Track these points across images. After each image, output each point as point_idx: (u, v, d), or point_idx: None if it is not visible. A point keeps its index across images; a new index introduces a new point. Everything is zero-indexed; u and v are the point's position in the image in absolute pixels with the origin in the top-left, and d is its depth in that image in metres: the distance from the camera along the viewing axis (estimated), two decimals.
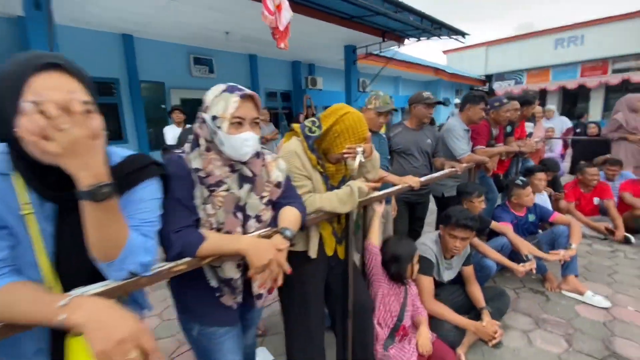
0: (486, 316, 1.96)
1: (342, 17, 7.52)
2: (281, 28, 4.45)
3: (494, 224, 2.58)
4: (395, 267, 1.78)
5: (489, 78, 23.18)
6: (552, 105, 5.82)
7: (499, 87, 22.16)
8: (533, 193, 3.39)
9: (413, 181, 1.94)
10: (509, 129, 3.53)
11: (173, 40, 8.08)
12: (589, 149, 4.93)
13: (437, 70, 17.74)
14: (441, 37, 9.54)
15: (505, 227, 2.57)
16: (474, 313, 2.11)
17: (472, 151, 2.99)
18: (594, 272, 2.90)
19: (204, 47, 8.89)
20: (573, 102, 20.98)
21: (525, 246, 2.44)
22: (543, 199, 3.46)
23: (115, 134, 7.57)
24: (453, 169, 2.46)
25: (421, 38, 9.41)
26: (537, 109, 4.75)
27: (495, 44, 23.47)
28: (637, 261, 3.07)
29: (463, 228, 1.94)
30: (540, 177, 3.29)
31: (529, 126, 4.23)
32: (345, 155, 1.39)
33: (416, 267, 1.84)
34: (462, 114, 2.80)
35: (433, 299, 1.96)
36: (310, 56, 11.42)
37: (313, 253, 1.44)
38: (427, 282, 1.97)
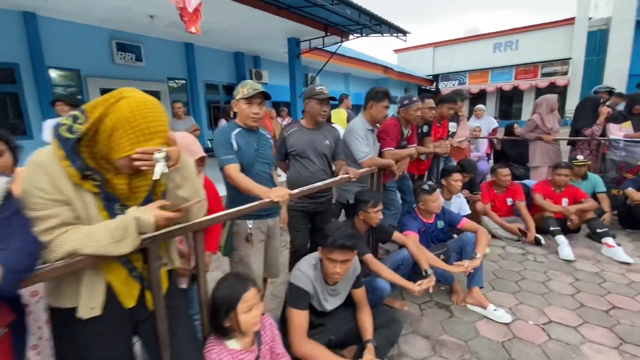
0: (369, 354, 1.63)
1: (280, 7, 7.02)
2: (190, 9, 3.87)
3: (396, 235, 2.29)
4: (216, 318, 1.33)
5: (436, 78, 23.93)
6: (482, 105, 5.83)
7: (445, 87, 22.96)
8: (450, 194, 3.22)
9: (276, 195, 1.54)
10: (425, 128, 3.31)
11: (90, 22, 7.06)
12: (511, 149, 4.95)
13: (386, 68, 17.83)
14: (384, 34, 9.43)
15: (405, 238, 2.29)
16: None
17: (380, 154, 2.71)
18: (502, 280, 2.75)
19: (130, 32, 7.91)
20: (509, 103, 22.36)
21: (425, 260, 2.18)
22: (460, 202, 3.30)
23: (16, 128, 6.47)
24: (346, 175, 2.12)
25: (364, 34, 9.18)
26: (461, 107, 4.65)
27: (441, 45, 24.25)
28: (544, 264, 2.99)
29: (341, 250, 1.58)
30: (457, 178, 3.11)
31: (453, 126, 4.08)
32: (137, 164, 0.94)
33: (246, 311, 1.30)
34: (366, 112, 2.49)
35: (305, 338, 1.58)
36: (254, 47, 10.78)
37: (84, 311, 0.98)
38: (299, 318, 1.59)
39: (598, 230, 3.23)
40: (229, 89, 11.33)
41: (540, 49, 20.07)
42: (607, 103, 4.66)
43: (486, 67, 21.81)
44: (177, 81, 9.55)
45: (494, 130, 5.60)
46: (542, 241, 3.36)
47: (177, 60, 9.25)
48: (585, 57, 19.04)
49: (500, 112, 21.68)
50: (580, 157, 3.89)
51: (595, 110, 4.17)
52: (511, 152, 4.92)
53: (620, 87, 16.19)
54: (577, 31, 19.14)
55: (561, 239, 3.20)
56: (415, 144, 2.97)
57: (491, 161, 5.61)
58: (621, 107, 4.76)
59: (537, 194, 3.61)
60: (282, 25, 8.32)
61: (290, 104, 10.25)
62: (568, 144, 4.62)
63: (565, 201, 3.59)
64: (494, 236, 3.65)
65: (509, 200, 3.72)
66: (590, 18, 19.51)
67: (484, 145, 5.41)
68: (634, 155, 3.84)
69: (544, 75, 19.77)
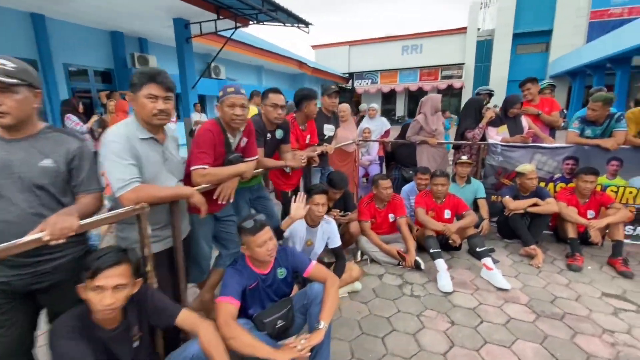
0: None
1: None
2: None
3: (180, 317, 1.36)
4: None
5: (352, 76, 24.12)
6: (375, 104, 5.32)
7: (359, 85, 23.29)
8: (313, 221, 2.44)
9: None
10: (279, 133, 2.46)
11: None
12: (401, 150, 4.47)
13: (300, 63, 17.06)
14: (285, 24, 8.52)
15: (195, 323, 1.37)
16: None
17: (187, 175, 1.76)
18: (367, 337, 2.05)
19: None
20: (416, 103, 23.66)
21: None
22: (328, 229, 2.51)
23: None
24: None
25: (261, 21, 8.14)
26: (342, 107, 3.98)
27: (356, 44, 24.49)
28: (420, 301, 2.42)
29: None
30: (319, 202, 2.32)
31: (329, 129, 3.35)
32: None
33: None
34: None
35: None
36: (136, 27, 8.86)
37: None
38: None
39: (478, 249, 2.80)
40: (106, 76, 9.25)
41: (440, 53, 21.54)
42: (488, 105, 4.48)
43: (396, 67, 22.68)
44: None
45: (387, 132, 5.14)
46: (422, 266, 2.82)
47: (19, 36, 6.98)
48: (475, 63, 21.00)
49: (409, 111, 22.81)
50: (464, 157, 3.53)
51: (480, 112, 3.87)
52: (401, 154, 4.45)
53: (501, 91, 18.18)
54: (468, 40, 20.96)
55: (440, 264, 2.68)
56: (256, 156, 2.09)
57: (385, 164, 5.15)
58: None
59: (420, 208, 3.08)
60: (163, 1, 6.82)
61: (181, 96, 8.72)
62: (453, 147, 4.31)
63: (447, 213, 3.13)
64: (372, 260, 3.03)
65: (391, 216, 3.14)
66: (479, 29, 21.56)
67: (375, 147, 4.89)
68: (510, 161, 3.59)
69: (444, 77, 21.29)
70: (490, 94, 4.88)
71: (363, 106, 5.26)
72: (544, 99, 3.92)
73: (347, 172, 4.27)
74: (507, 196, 3.28)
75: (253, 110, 4.31)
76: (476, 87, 20.56)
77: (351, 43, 24.50)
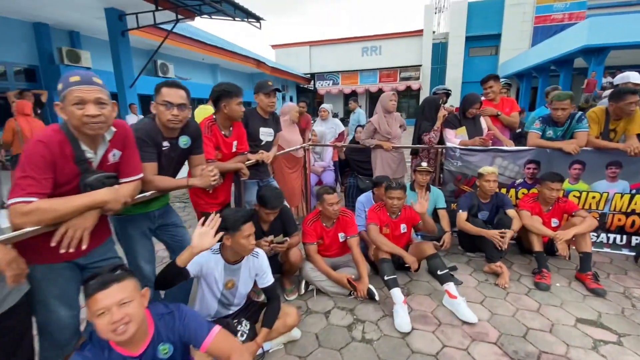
0: None
1: None
2: None
3: None
4: None
5: (313, 77, 23.65)
6: (328, 105, 4.82)
7: (321, 86, 22.89)
8: (237, 255, 1.84)
9: None
10: (184, 141, 1.84)
11: None
12: (355, 156, 4.00)
13: (259, 62, 16.29)
14: (235, 18, 7.81)
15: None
16: None
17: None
18: None
19: None
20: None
21: None
22: (259, 262, 1.93)
23: None
24: None
25: (206, 13, 7.37)
26: (323, 107, 3.41)
27: (317, 45, 24.06)
28: (373, 347, 1.93)
29: None
30: (247, 233, 1.72)
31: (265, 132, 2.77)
32: None
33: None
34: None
35: None
36: (64, 18, 7.66)
37: None
38: None
39: (439, 273, 2.37)
40: (30, 73, 7.97)
41: (398, 55, 21.73)
42: (445, 105, 4.16)
43: (356, 68, 22.56)
44: None
45: (341, 135, 4.67)
46: (376, 296, 2.34)
47: None
48: (431, 65, 21.42)
49: (371, 112, 22.70)
50: (424, 164, 3.12)
51: (437, 112, 3.50)
52: (354, 160, 3.99)
53: (457, 92, 18.65)
54: (424, 42, 21.33)
55: (397, 295, 2.21)
56: (138, 174, 1.47)
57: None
58: None
59: (372, 224, 2.61)
60: None
61: (118, 95, 7.70)
62: (411, 152, 3.92)
63: (403, 227, 2.69)
64: (319, 291, 2.51)
65: (342, 236, 2.63)
66: (434, 32, 22.02)
67: (329, 152, 4.39)
68: (470, 166, 3.25)
69: (402, 79, 21.50)
70: (447, 94, 4.56)
71: (323, 106, 4.75)
72: (505, 99, 3.61)
73: (296, 181, 3.74)
74: (461, 211, 2.92)
75: (210, 109, 3.46)
76: (433, 88, 21.04)
77: (312, 43, 24.04)
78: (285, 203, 2.53)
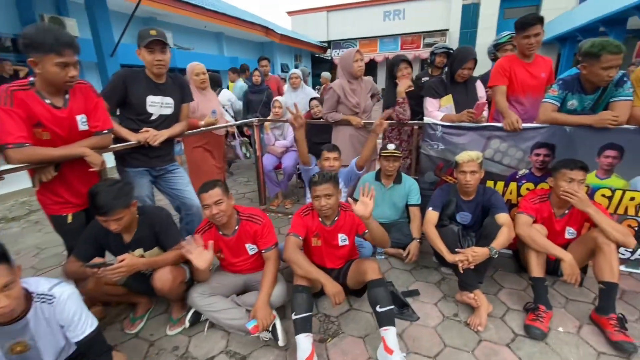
0: None
1: None
2: None
3: None
4: None
5: (330, 45, 22.07)
6: (298, 70, 3.93)
7: (336, 56, 21.32)
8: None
9: None
10: None
11: None
12: (315, 135, 3.17)
13: (267, 29, 15.15)
14: None
15: None
16: None
17: None
18: None
19: None
20: None
21: None
22: (59, 309, 1.29)
23: None
24: None
25: None
26: (293, 72, 2.63)
27: (335, 10, 22.26)
28: None
29: None
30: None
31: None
32: None
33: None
34: None
35: None
36: None
37: None
38: None
39: (378, 309, 1.60)
40: (13, 44, 7.56)
41: (423, 19, 19.63)
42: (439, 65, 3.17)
43: (376, 35, 20.72)
44: None
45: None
46: (280, 340, 1.64)
47: None
48: (460, 30, 19.20)
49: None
50: (391, 147, 2.28)
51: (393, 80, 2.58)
52: (316, 144, 3.14)
53: (487, 60, 16.61)
54: (453, 4, 19.04)
55: (302, 344, 1.50)
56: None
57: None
58: None
59: (292, 235, 1.84)
60: None
61: (98, 65, 7.17)
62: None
63: (342, 239, 1.92)
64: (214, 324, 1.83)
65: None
66: None
67: (292, 131, 3.58)
68: (455, 150, 2.32)
69: (426, 45, 19.48)
70: (448, 54, 3.52)
71: (293, 71, 3.89)
72: (540, 58, 2.39)
73: (215, 167, 3.02)
74: (431, 209, 2.07)
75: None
76: None
77: (329, 8, 22.22)
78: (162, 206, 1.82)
